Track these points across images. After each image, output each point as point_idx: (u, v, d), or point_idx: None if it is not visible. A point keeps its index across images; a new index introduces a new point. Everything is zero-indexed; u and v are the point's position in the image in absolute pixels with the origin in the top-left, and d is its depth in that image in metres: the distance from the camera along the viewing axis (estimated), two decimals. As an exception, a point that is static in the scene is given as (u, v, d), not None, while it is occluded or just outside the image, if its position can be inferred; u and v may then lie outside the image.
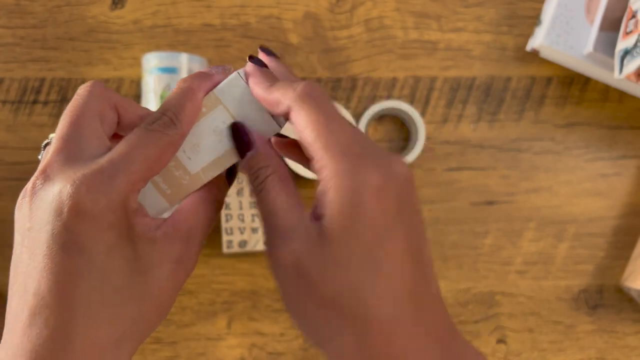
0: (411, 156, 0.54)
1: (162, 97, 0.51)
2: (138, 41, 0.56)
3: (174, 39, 0.56)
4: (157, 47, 0.56)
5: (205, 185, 0.28)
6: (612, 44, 0.52)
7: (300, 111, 0.24)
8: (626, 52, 0.49)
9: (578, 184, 0.56)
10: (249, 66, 0.28)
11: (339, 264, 0.23)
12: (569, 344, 0.55)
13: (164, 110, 0.26)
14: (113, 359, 0.24)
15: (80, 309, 0.23)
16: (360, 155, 0.24)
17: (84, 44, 0.56)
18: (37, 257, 0.24)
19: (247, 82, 0.28)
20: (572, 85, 0.57)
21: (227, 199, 0.53)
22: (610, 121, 0.57)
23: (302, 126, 0.24)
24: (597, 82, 0.57)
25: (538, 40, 0.54)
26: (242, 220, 0.53)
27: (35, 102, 0.56)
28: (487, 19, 0.57)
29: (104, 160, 0.24)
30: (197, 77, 0.27)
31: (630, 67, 0.48)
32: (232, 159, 0.28)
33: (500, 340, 0.55)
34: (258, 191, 0.26)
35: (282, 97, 0.25)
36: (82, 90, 0.26)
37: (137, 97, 0.56)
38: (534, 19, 0.57)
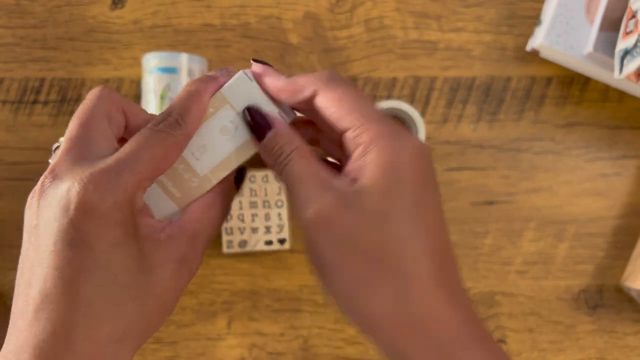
0: (411, 156, 0.54)
1: (162, 97, 0.51)
2: (138, 41, 0.56)
3: (174, 39, 0.56)
4: (157, 47, 0.56)
5: (213, 190, 0.28)
6: (612, 44, 0.52)
7: (331, 90, 0.26)
8: (626, 52, 0.49)
9: (578, 184, 0.56)
10: (258, 66, 0.28)
11: (382, 218, 0.24)
12: (569, 344, 0.55)
13: (169, 111, 0.27)
14: (114, 357, 0.24)
15: (83, 305, 0.23)
16: (393, 125, 0.26)
17: (84, 44, 0.56)
18: (43, 253, 0.24)
19: (253, 80, 0.28)
20: (572, 85, 0.57)
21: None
22: (610, 121, 0.57)
23: (335, 101, 0.26)
24: (597, 82, 0.57)
25: (538, 40, 0.54)
26: (242, 220, 0.53)
27: (35, 102, 0.56)
28: (487, 19, 0.57)
29: (111, 159, 0.25)
30: (203, 80, 0.28)
31: (630, 67, 0.48)
32: (242, 157, 0.28)
33: (500, 340, 0.55)
34: (283, 165, 0.26)
35: (308, 83, 0.26)
36: (91, 94, 0.27)
37: (137, 97, 0.56)
38: (534, 19, 0.57)
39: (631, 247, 0.56)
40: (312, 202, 0.25)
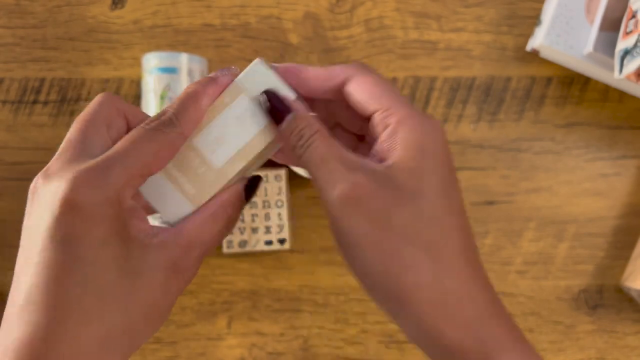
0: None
1: (162, 97, 0.51)
2: (138, 41, 0.56)
3: (174, 39, 0.56)
4: (157, 47, 0.56)
5: (219, 200, 0.28)
6: (612, 44, 0.52)
7: (364, 76, 0.27)
8: (626, 52, 0.49)
9: (578, 184, 0.56)
10: (285, 64, 0.29)
11: (415, 195, 0.24)
12: (569, 344, 0.55)
13: (164, 111, 0.27)
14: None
15: (64, 306, 0.23)
16: (418, 108, 0.27)
17: (84, 44, 0.56)
18: (31, 252, 0.24)
19: (269, 68, 0.28)
20: (572, 85, 0.57)
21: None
22: (610, 121, 0.57)
23: (366, 85, 0.27)
24: (597, 82, 0.57)
25: (538, 40, 0.54)
26: (242, 220, 0.53)
27: (35, 102, 0.56)
28: (487, 19, 0.57)
29: (100, 157, 0.25)
30: (202, 82, 0.28)
31: (630, 67, 0.48)
32: (259, 146, 0.28)
33: (500, 340, 0.55)
34: (305, 148, 0.26)
35: (341, 71, 0.27)
36: (93, 100, 0.27)
37: (137, 97, 0.56)
38: (534, 19, 0.57)
39: (631, 247, 0.56)
40: (340, 181, 0.25)
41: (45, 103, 0.56)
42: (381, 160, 0.26)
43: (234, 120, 0.28)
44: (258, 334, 0.55)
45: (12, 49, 0.56)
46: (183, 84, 0.51)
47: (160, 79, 0.51)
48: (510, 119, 0.57)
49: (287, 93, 0.28)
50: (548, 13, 0.54)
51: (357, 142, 0.31)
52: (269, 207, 0.53)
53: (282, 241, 0.53)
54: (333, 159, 0.26)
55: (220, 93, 0.28)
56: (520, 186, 0.56)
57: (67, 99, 0.56)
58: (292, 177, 0.54)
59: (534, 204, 0.56)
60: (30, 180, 0.25)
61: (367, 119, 0.28)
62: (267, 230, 0.52)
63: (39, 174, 0.25)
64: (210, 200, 0.28)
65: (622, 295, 0.55)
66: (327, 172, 0.25)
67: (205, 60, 0.54)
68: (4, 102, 0.56)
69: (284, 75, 0.28)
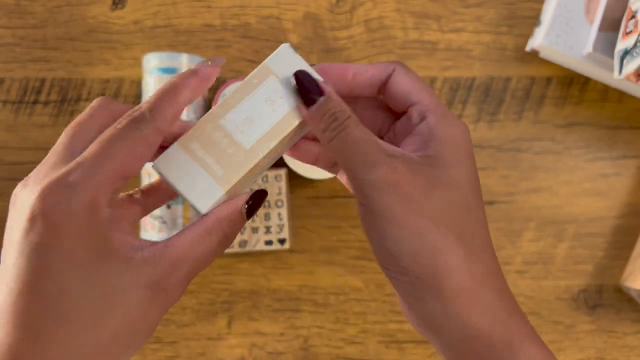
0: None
1: (162, 97, 0.51)
2: (138, 41, 0.57)
3: (175, 39, 0.57)
4: (158, 48, 0.56)
5: (216, 216, 0.26)
6: (612, 44, 0.52)
7: (407, 71, 0.29)
8: (626, 52, 0.49)
9: (578, 184, 0.56)
10: (319, 65, 0.29)
11: (448, 187, 0.26)
12: (568, 343, 0.55)
13: (138, 106, 0.25)
14: None
15: (30, 326, 0.22)
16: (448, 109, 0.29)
17: (85, 44, 0.57)
18: (7, 264, 0.23)
19: (297, 52, 0.28)
20: (571, 86, 0.57)
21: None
22: (610, 121, 0.57)
23: (410, 80, 0.28)
24: (596, 82, 0.57)
25: (538, 41, 0.54)
26: (242, 220, 0.53)
27: (35, 102, 0.56)
28: (486, 20, 0.57)
29: (72, 163, 0.23)
30: (182, 75, 0.27)
31: (630, 67, 0.48)
32: (288, 126, 0.28)
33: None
34: (339, 131, 0.26)
35: (388, 64, 0.29)
36: (89, 106, 0.26)
37: (138, 97, 0.56)
38: (534, 19, 0.57)
39: (631, 247, 0.56)
40: (379, 164, 0.25)
41: (46, 103, 0.56)
42: (415, 150, 0.27)
43: (263, 101, 0.28)
44: (258, 333, 0.55)
45: (13, 49, 0.56)
46: (183, 84, 0.52)
47: (160, 79, 0.51)
48: (510, 119, 0.57)
49: (316, 76, 0.28)
50: (548, 13, 0.54)
51: None
52: (269, 207, 0.53)
53: (282, 241, 0.53)
54: (370, 142, 0.26)
55: (202, 85, 0.27)
56: (520, 186, 0.56)
57: (68, 99, 0.56)
58: (292, 177, 0.55)
59: (534, 204, 0.56)
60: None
61: (394, 113, 0.30)
62: (267, 230, 0.52)
63: (21, 182, 0.24)
64: (205, 215, 0.26)
65: (622, 295, 0.55)
66: (363, 155, 0.26)
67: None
68: (5, 102, 0.56)
69: (327, 73, 0.29)
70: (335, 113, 0.27)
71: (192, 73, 0.27)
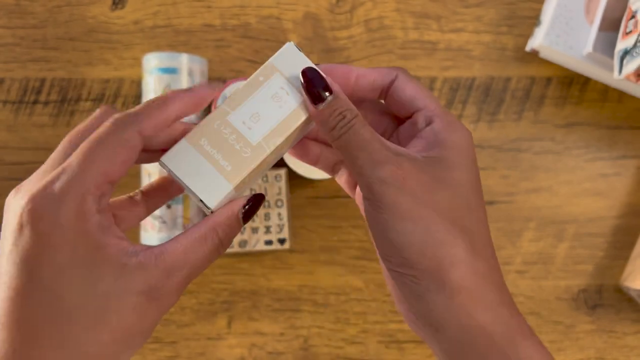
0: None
1: (162, 97, 0.51)
2: (138, 41, 0.57)
3: (175, 39, 0.57)
4: (158, 48, 0.56)
5: (212, 221, 0.26)
6: (612, 44, 0.52)
7: (410, 77, 0.29)
8: (625, 52, 0.49)
9: (578, 184, 0.56)
10: (323, 65, 0.30)
11: (454, 186, 0.26)
12: (568, 343, 0.55)
13: (125, 111, 0.26)
14: None
15: (28, 333, 0.22)
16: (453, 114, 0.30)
17: (85, 44, 0.57)
18: (1, 271, 0.23)
19: (301, 51, 0.29)
20: (571, 86, 0.57)
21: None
22: (610, 121, 0.57)
23: (414, 86, 0.29)
24: (596, 82, 0.57)
25: (537, 41, 0.54)
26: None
27: (35, 102, 0.56)
28: (486, 20, 0.57)
29: (56, 171, 0.23)
30: (177, 90, 0.27)
31: (630, 67, 0.48)
32: (295, 122, 0.28)
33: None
34: (346, 129, 0.27)
35: (390, 70, 0.29)
36: (91, 115, 0.27)
37: (138, 97, 0.56)
38: (534, 20, 0.57)
39: (630, 247, 0.56)
40: (387, 161, 0.26)
41: (46, 103, 0.56)
42: (419, 152, 0.27)
43: (269, 98, 0.28)
44: (258, 333, 0.55)
45: (13, 49, 0.56)
46: (183, 84, 0.52)
47: (160, 79, 0.51)
48: (510, 119, 0.57)
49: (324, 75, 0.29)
50: (547, 13, 0.54)
51: None
52: (269, 207, 0.53)
53: (282, 241, 0.53)
54: (377, 141, 0.27)
55: (195, 102, 0.27)
56: (520, 186, 0.56)
57: (68, 99, 0.56)
58: (292, 177, 0.55)
59: (533, 204, 0.56)
60: (31, 180, 0.25)
61: (398, 119, 0.30)
62: (267, 230, 0.52)
63: (15, 188, 0.24)
64: (200, 221, 0.27)
65: (622, 295, 0.55)
66: (370, 152, 0.26)
67: (205, 61, 0.54)
68: (5, 102, 0.56)
69: (331, 74, 0.29)
70: (343, 112, 0.27)
71: (187, 89, 0.27)
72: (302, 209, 0.56)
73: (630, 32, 0.49)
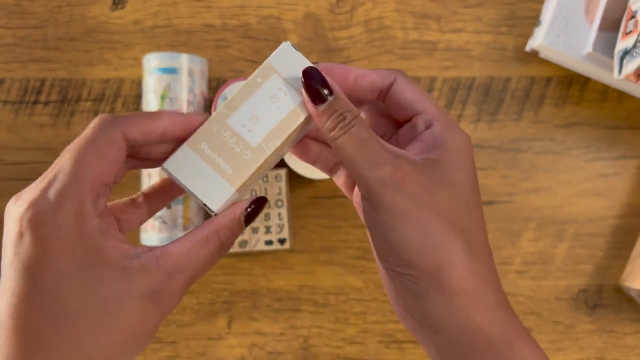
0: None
1: (162, 97, 0.51)
2: (139, 41, 0.57)
3: (175, 39, 0.57)
4: (158, 48, 0.57)
5: (214, 224, 0.27)
6: (612, 45, 0.52)
7: (409, 80, 0.29)
8: (625, 53, 0.49)
9: (578, 184, 0.56)
10: (322, 64, 0.29)
11: (452, 188, 0.26)
12: (568, 343, 0.55)
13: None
14: None
15: (31, 338, 0.22)
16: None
17: (85, 44, 0.57)
18: (4, 277, 0.23)
19: (298, 50, 0.28)
20: (571, 86, 0.57)
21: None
22: (610, 121, 0.57)
23: (413, 89, 0.29)
24: (596, 82, 0.57)
25: (537, 41, 0.54)
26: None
27: (36, 102, 0.56)
28: (486, 20, 0.57)
29: (48, 178, 0.24)
30: (172, 110, 0.27)
31: (630, 67, 0.48)
32: (294, 122, 0.28)
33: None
34: (347, 130, 0.27)
35: (389, 72, 0.29)
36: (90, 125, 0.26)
37: (138, 97, 0.56)
38: (534, 20, 0.57)
39: (630, 247, 0.56)
40: (385, 163, 0.26)
41: (46, 103, 0.56)
42: (418, 154, 0.27)
43: (268, 99, 0.28)
44: (258, 333, 0.55)
45: (13, 49, 0.56)
46: (183, 84, 0.52)
47: (160, 79, 0.51)
48: (509, 119, 0.57)
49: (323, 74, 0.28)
50: (547, 13, 0.54)
51: None
52: (269, 207, 0.53)
53: (282, 241, 0.53)
54: (376, 142, 0.27)
55: (183, 123, 0.27)
56: (519, 186, 0.56)
57: (68, 99, 0.56)
58: (292, 177, 0.55)
59: (533, 204, 0.56)
60: (31, 180, 0.25)
61: (397, 121, 0.30)
62: (267, 230, 0.53)
63: (15, 195, 0.24)
64: (203, 224, 0.27)
65: (622, 295, 0.55)
66: (369, 153, 0.26)
67: (205, 61, 0.54)
68: (5, 102, 0.56)
69: (330, 73, 0.29)
70: (344, 112, 0.27)
71: (181, 113, 0.28)
72: (302, 209, 0.56)
73: (630, 32, 0.49)
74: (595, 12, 0.53)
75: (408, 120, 0.30)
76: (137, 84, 0.56)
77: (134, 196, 0.30)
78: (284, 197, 0.53)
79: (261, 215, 0.52)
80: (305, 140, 0.32)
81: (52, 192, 0.23)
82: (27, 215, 0.23)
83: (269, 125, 0.28)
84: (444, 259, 0.25)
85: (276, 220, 0.53)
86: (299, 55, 0.28)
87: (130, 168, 0.29)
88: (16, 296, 0.23)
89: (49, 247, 0.23)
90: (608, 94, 0.57)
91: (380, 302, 0.55)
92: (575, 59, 0.53)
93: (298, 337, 0.55)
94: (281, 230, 0.53)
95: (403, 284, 0.26)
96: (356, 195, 0.32)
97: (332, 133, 0.27)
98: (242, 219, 0.27)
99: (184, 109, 0.51)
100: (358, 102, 0.31)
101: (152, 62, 0.51)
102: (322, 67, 0.29)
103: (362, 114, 0.32)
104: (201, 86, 0.53)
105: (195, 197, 0.27)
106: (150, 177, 0.52)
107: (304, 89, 0.27)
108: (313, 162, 0.33)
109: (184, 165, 0.27)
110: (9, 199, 0.24)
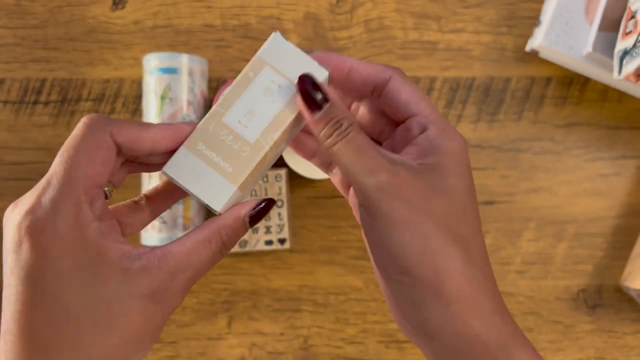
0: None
1: (162, 97, 0.51)
2: (139, 41, 0.57)
3: (175, 39, 0.57)
4: (158, 48, 0.57)
5: (216, 224, 0.27)
6: (611, 45, 0.52)
7: (405, 79, 0.28)
8: (625, 53, 0.49)
9: (578, 184, 0.56)
10: (318, 52, 0.29)
11: (449, 194, 0.26)
12: (568, 343, 0.55)
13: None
14: None
15: (36, 341, 0.23)
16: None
17: (85, 44, 0.57)
18: (6, 284, 0.23)
19: (288, 40, 0.28)
20: (571, 86, 0.57)
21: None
22: (610, 121, 0.57)
23: (409, 90, 0.28)
24: (596, 82, 0.57)
25: (537, 41, 0.54)
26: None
27: (36, 102, 0.56)
28: (486, 20, 0.57)
29: (41, 184, 0.24)
30: (158, 122, 0.27)
31: (629, 67, 0.48)
32: (290, 115, 0.28)
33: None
34: (344, 136, 0.26)
35: (385, 68, 0.29)
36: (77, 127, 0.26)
37: (138, 97, 0.56)
38: (534, 20, 0.57)
39: (630, 247, 0.56)
40: (382, 169, 0.26)
41: (46, 103, 0.56)
42: (414, 159, 0.27)
43: (261, 93, 0.28)
44: (258, 333, 0.55)
45: (13, 49, 0.57)
46: (183, 84, 0.52)
47: (160, 79, 0.51)
48: (509, 119, 0.57)
49: (311, 67, 0.28)
50: (547, 13, 0.54)
51: None
52: (269, 207, 0.53)
53: (282, 241, 0.53)
54: (373, 149, 0.26)
55: (172, 134, 0.27)
56: (519, 186, 0.56)
57: (68, 99, 0.56)
58: (292, 177, 0.55)
59: (533, 204, 0.56)
60: (31, 180, 0.25)
61: (391, 121, 0.30)
62: (267, 230, 0.53)
63: (13, 202, 0.24)
64: (205, 223, 0.27)
65: (621, 295, 0.55)
66: (365, 160, 0.26)
67: (205, 61, 0.54)
68: (5, 102, 0.56)
69: (325, 63, 0.28)
70: (340, 120, 0.27)
71: (167, 124, 0.27)
72: (302, 209, 0.56)
73: (630, 32, 0.49)
74: (595, 12, 0.53)
75: (403, 122, 0.29)
76: (137, 84, 0.56)
77: (136, 199, 0.30)
78: (284, 197, 0.53)
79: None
80: (303, 135, 0.32)
81: (47, 198, 0.23)
82: (25, 222, 0.23)
83: (265, 120, 0.28)
84: (441, 265, 0.25)
85: (276, 220, 0.53)
86: (289, 45, 0.28)
87: (130, 172, 0.29)
88: (20, 303, 0.23)
89: (50, 253, 0.23)
90: (608, 94, 0.57)
91: (380, 302, 0.55)
92: (575, 59, 0.54)
93: (298, 337, 0.55)
94: (281, 230, 0.53)
95: (400, 291, 0.26)
96: (352, 196, 0.32)
97: (329, 140, 0.27)
98: (247, 219, 0.27)
99: (184, 109, 0.52)
100: (358, 97, 0.31)
101: (152, 62, 0.52)
102: (319, 55, 0.28)
103: (362, 109, 0.32)
104: (201, 86, 0.53)
105: (198, 198, 0.27)
106: (151, 178, 0.52)
107: (300, 97, 0.27)
108: (309, 157, 0.33)
109: (183, 168, 0.27)
110: (9, 199, 0.24)
